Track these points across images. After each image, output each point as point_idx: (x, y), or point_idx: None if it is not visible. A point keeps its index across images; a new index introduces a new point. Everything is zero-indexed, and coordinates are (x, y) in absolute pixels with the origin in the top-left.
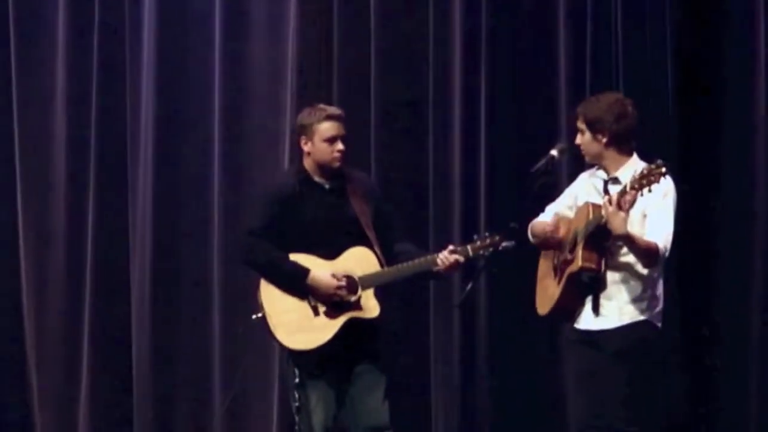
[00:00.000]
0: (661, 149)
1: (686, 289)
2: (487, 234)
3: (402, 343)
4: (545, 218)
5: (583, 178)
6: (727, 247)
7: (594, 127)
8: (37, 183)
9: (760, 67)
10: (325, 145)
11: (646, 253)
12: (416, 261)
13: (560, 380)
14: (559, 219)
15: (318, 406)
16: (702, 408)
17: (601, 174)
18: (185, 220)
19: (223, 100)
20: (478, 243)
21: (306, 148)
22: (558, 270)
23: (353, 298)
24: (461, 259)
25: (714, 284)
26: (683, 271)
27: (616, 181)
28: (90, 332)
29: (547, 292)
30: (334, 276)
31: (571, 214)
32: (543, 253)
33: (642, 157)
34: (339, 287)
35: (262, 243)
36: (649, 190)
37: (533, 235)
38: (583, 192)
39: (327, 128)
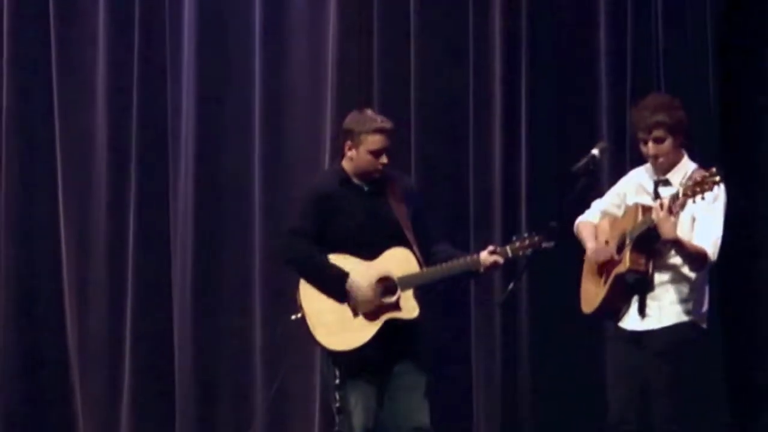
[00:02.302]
0: (703, 148)
1: (729, 291)
2: (526, 234)
3: (443, 343)
4: (591, 216)
5: (631, 176)
6: None
7: (677, 130)
8: (79, 183)
9: None
10: (369, 157)
11: (695, 257)
12: (456, 261)
13: (602, 378)
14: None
15: (358, 407)
16: (742, 413)
17: (651, 174)
18: (226, 219)
19: (263, 98)
20: (518, 244)
21: (349, 153)
22: (604, 270)
23: (392, 299)
24: (500, 259)
25: (758, 285)
26: (726, 273)
27: (667, 182)
28: (132, 334)
29: (592, 291)
30: (371, 286)
31: (618, 212)
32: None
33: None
34: (377, 296)
35: (302, 243)
36: (702, 198)
37: (579, 237)
38: (632, 191)
39: (375, 141)
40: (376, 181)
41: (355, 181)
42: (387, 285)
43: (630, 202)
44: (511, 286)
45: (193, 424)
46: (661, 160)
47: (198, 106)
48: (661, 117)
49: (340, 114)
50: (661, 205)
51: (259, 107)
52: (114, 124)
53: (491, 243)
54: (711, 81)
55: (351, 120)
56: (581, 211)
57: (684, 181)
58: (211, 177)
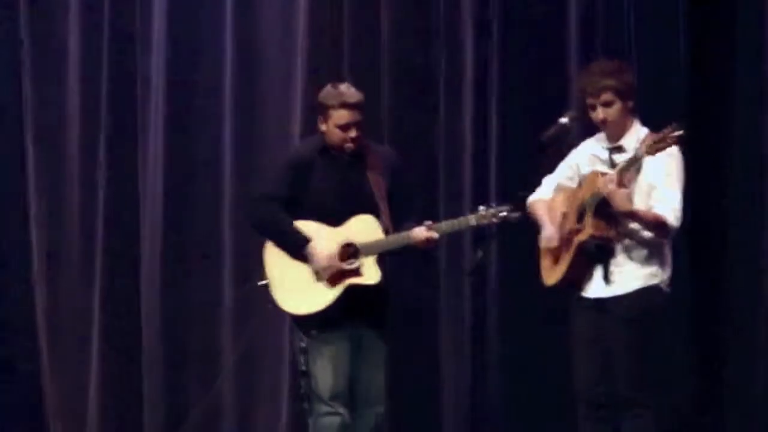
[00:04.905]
0: (672, 115)
1: (699, 261)
2: (494, 204)
3: (411, 311)
4: (543, 193)
5: (582, 147)
6: (740, 214)
7: (626, 95)
8: (49, 153)
9: None
10: (338, 131)
11: (654, 225)
12: (396, 235)
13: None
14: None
15: (325, 370)
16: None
17: (603, 142)
18: (197, 188)
19: (234, 70)
20: (483, 213)
21: (322, 127)
22: (565, 240)
23: (354, 266)
24: (435, 235)
25: (727, 254)
26: (695, 240)
27: (620, 149)
28: (101, 300)
29: (554, 263)
30: (331, 253)
31: (572, 184)
32: None
33: (653, 123)
34: (334, 261)
35: (270, 206)
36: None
37: (534, 216)
38: (584, 162)
39: (341, 116)
40: (355, 153)
41: (334, 152)
42: (350, 251)
43: (585, 172)
44: (479, 254)
45: (160, 388)
46: (610, 125)
47: (168, 77)
48: (609, 81)
49: (312, 83)
50: (611, 179)
51: (230, 77)
52: (85, 95)
53: (463, 213)
54: (682, 47)
55: (322, 94)
56: None
57: (637, 145)
58: (181, 148)
